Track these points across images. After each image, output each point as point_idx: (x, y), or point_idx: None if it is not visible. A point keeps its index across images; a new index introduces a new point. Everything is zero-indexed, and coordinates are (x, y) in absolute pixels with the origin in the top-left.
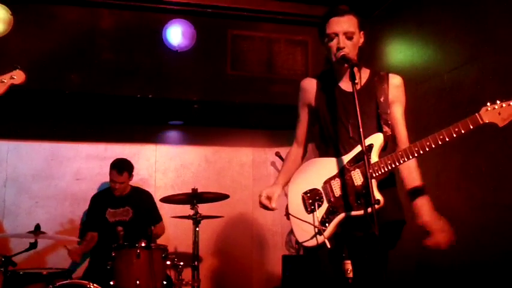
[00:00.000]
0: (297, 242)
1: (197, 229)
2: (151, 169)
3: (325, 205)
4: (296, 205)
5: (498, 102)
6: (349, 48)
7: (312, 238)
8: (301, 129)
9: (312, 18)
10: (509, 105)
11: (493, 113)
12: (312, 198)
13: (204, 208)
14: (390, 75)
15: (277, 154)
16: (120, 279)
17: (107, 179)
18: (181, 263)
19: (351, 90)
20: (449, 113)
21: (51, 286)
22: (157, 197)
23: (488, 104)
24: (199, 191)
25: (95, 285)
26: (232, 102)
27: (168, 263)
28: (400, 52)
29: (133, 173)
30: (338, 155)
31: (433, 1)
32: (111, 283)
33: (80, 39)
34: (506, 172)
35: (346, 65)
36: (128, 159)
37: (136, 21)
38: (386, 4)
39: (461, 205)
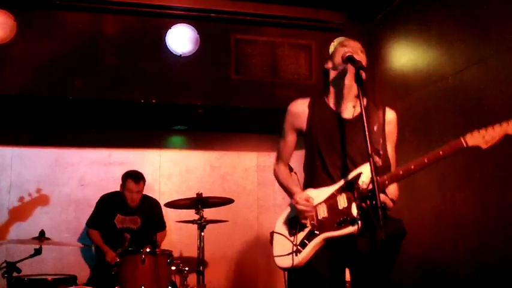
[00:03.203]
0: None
1: (202, 234)
2: (155, 174)
3: (307, 228)
4: (280, 228)
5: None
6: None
7: (287, 257)
8: (287, 151)
9: (316, 22)
10: (492, 128)
11: (477, 136)
12: (296, 223)
13: (208, 213)
14: (387, 108)
15: None
16: (125, 284)
17: (111, 184)
18: (187, 268)
19: (347, 117)
20: (454, 115)
21: None
22: (161, 202)
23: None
24: (203, 195)
25: None
26: (236, 106)
27: (173, 268)
28: (403, 55)
29: None
30: (328, 183)
31: (436, 3)
32: None
33: (84, 45)
34: (511, 173)
35: (347, 87)
36: (132, 164)
37: (140, 26)
38: (389, 7)
39: (466, 206)
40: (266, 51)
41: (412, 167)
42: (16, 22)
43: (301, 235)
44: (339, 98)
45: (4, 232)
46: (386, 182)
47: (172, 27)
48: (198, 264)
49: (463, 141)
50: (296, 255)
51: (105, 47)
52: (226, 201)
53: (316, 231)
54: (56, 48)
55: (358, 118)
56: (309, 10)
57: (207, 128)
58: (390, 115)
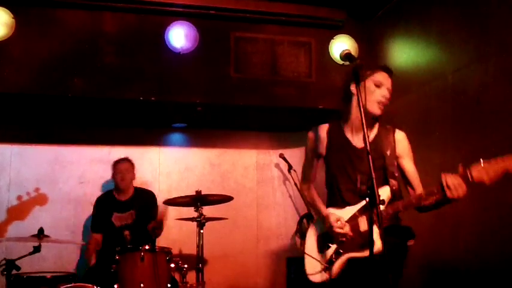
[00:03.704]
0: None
1: (201, 231)
2: (155, 172)
3: (333, 247)
4: (311, 245)
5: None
6: (387, 101)
7: (317, 274)
8: (311, 172)
9: (316, 19)
10: (496, 161)
11: (481, 171)
12: (324, 241)
13: (208, 210)
14: (397, 129)
15: (281, 156)
16: (124, 282)
17: (111, 182)
18: (186, 266)
19: (359, 147)
20: (453, 113)
21: None
22: (160, 200)
23: (481, 160)
24: (203, 193)
25: None
26: (235, 104)
27: (173, 265)
28: (403, 53)
29: (137, 175)
30: (344, 205)
31: (436, 1)
32: (115, 286)
33: (83, 43)
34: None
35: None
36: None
37: (139, 24)
38: (389, 5)
39: (465, 205)
40: (266, 49)
41: (414, 201)
42: (14, 20)
43: (329, 252)
44: (355, 128)
45: (2, 231)
46: (402, 208)
47: (171, 24)
48: (197, 261)
49: (468, 174)
50: (325, 271)
51: (104, 45)
52: (226, 198)
53: (341, 250)
54: (55, 46)
55: (371, 144)
56: (309, 8)
57: (207, 126)
58: (399, 136)
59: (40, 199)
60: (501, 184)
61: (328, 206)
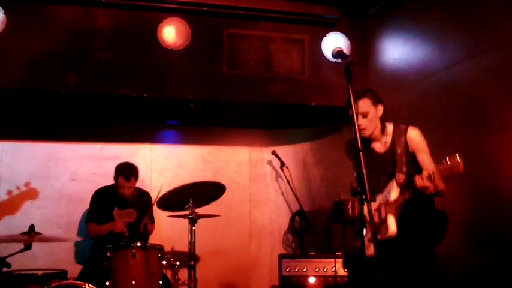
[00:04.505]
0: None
1: (193, 228)
2: (147, 169)
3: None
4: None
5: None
6: (364, 124)
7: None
8: None
9: (309, 16)
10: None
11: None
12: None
13: (200, 207)
14: (409, 129)
15: (274, 153)
16: (116, 279)
17: (103, 179)
18: (178, 263)
19: (380, 152)
20: (446, 110)
21: (46, 287)
22: (153, 196)
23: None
24: (194, 188)
25: (90, 286)
26: (228, 101)
27: (165, 262)
28: (396, 50)
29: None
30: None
31: None
32: (107, 283)
33: (76, 39)
34: (507, 172)
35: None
36: (124, 159)
37: (132, 20)
38: (382, 1)
39: (463, 203)
40: (259, 46)
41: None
42: (6, 15)
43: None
44: (373, 137)
45: None
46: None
47: (164, 21)
48: (190, 258)
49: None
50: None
51: (97, 41)
52: (216, 186)
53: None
54: (47, 42)
55: (387, 152)
56: (302, 4)
57: (200, 123)
58: (411, 134)
59: (31, 193)
60: (489, 178)
61: None
